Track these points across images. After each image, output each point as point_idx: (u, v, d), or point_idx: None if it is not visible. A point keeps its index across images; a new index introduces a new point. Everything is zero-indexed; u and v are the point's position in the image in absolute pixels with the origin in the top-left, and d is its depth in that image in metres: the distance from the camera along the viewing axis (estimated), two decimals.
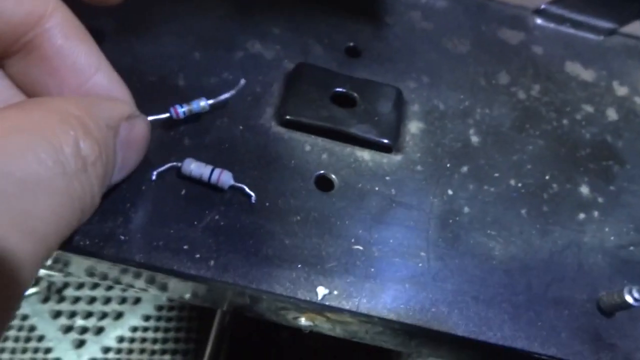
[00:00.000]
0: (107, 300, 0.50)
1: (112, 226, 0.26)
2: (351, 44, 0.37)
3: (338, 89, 0.33)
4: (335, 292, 0.26)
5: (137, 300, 0.51)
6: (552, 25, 0.42)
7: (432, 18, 0.40)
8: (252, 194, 0.28)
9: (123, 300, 0.50)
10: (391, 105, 0.33)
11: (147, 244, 0.26)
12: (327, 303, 0.26)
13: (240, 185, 0.28)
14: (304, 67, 0.34)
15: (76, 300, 0.51)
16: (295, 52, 0.36)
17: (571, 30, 0.42)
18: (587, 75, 0.39)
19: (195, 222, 0.27)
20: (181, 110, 0.29)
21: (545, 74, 0.39)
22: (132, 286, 0.28)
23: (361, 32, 0.38)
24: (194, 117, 0.29)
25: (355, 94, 0.33)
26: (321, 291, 0.26)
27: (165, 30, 0.35)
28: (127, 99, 0.20)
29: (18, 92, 0.18)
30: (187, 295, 0.28)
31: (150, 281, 0.27)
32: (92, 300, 0.49)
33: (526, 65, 0.39)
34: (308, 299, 0.26)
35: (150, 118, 0.26)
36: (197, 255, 0.26)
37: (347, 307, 0.26)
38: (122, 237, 0.26)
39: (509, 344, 0.26)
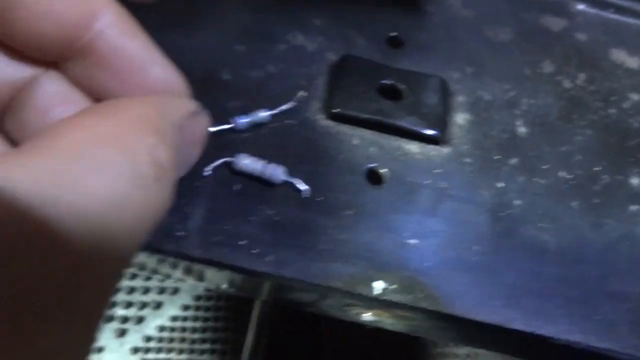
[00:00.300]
0: (146, 291, 0.51)
1: (169, 222, 0.26)
2: (393, 34, 0.37)
3: (384, 81, 0.33)
4: (393, 287, 0.26)
5: (176, 291, 0.51)
6: (595, 11, 0.41)
7: (472, 5, 0.40)
8: (304, 188, 0.28)
9: (162, 291, 0.51)
10: (438, 97, 0.33)
11: (205, 239, 0.26)
12: (385, 298, 0.26)
13: (292, 179, 0.28)
14: (349, 59, 0.34)
15: (115, 290, 0.52)
16: (338, 44, 0.36)
17: (615, 16, 0.41)
18: (633, 62, 0.39)
19: (250, 218, 0.27)
20: (243, 121, 0.29)
21: (590, 62, 0.38)
22: (189, 274, 0.28)
23: (402, 21, 0.38)
24: (255, 127, 0.30)
25: (402, 86, 0.33)
26: (378, 286, 0.26)
27: (206, 24, 0.35)
28: (185, 90, 0.20)
29: (81, 95, 0.18)
30: (253, 291, 0.28)
31: (207, 277, 0.27)
32: (132, 290, 0.50)
33: (570, 53, 0.38)
34: (366, 294, 0.26)
35: (212, 129, 0.27)
36: (254, 251, 0.26)
37: (405, 302, 0.26)
38: (179, 234, 0.26)
39: (565, 337, 0.26)
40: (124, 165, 0.12)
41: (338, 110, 0.31)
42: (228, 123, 0.29)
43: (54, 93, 0.17)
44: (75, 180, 0.11)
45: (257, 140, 0.30)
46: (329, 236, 0.27)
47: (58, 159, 0.11)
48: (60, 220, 0.10)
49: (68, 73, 0.17)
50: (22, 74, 0.16)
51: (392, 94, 0.33)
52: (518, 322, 0.27)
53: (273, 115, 0.29)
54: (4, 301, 0.08)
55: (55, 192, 0.10)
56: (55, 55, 0.16)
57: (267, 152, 0.30)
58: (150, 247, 0.25)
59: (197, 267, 0.26)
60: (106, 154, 0.12)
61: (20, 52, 0.15)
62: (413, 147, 0.32)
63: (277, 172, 0.28)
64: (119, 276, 0.12)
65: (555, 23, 0.40)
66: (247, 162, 0.28)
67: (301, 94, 0.29)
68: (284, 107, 0.29)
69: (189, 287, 0.51)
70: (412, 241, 0.28)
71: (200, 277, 0.28)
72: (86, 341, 0.10)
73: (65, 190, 0.10)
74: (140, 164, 0.13)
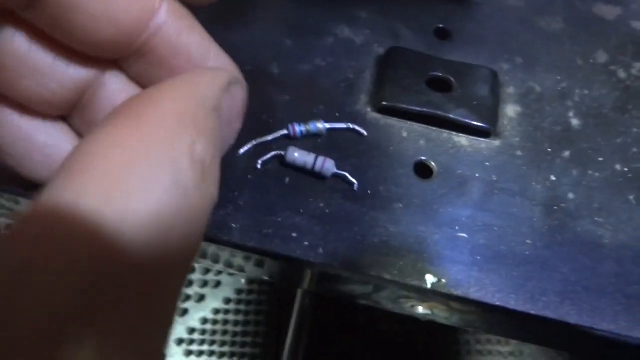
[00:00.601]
0: (190, 284, 0.52)
1: (223, 214, 0.27)
2: (440, 25, 0.37)
3: (433, 73, 0.32)
4: (444, 280, 0.26)
5: (218, 284, 0.53)
6: None
7: None
8: (355, 181, 0.29)
9: (204, 284, 0.52)
10: (488, 89, 0.32)
11: (258, 231, 0.27)
12: (439, 290, 0.26)
13: (342, 172, 0.29)
14: (397, 51, 0.34)
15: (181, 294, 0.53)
16: (385, 36, 0.36)
17: None
18: None
19: (301, 210, 0.28)
20: (299, 129, 0.30)
21: None
22: (248, 260, 0.29)
23: (449, 12, 0.37)
24: (309, 136, 0.30)
25: (451, 78, 0.32)
26: (430, 279, 0.26)
27: (254, 19, 0.35)
28: (241, 81, 0.19)
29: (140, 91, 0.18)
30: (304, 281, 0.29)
31: (265, 265, 0.28)
32: (190, 284, 0.52)
33: (625, 42, 0.37)
34: (419, 286, 0.26)
35: (269, 137, 0.29)
36: (306, 243, 0.27)
37: (458, 294, 0.26)
38: (234, 225, 0.27)
39: (625, 333, 0.26)
40: (167, 178, 0.12)
41: (386, 103, 0.31)
42: (283, 129, 0.30)
43: (116, 91, 0.17)
44: (124, 205, 0.11)
45: (307, 134, 0.30)
46: (380, 229, 0.27)
47: (104, 183, 0.11)
48: (125, 239, 0.10)
49: (129, 70, 0.17)
50: (86, 74, 0.16)
51: (441, 86, 0.32)
52: (573, 317, 0.26)
53: (328, 130, 0.30)
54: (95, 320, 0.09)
55: (111, 213, 0.10)
56: (116, 54, 0.15)
57: (317, 145, 0.30)
58: (208, 237, 0.26)
59: (255, 256, 0.27)
60: (151, 166, 0.11)
61: (82, 54, 0.15)
62: (463, 140, 0.31)
63: (327, 166, 0.28)
64: (183, 282, 0.12)
65: (609, 11, 0.39)
66: (298, 156, 0.28)
67: (364, 133, 0.30)
68: (339, 125, 0.30)
69: (231, 281, 0.53)
70: (463, 235, 0.28)
71: (260, 264, 0.29)
72: (158, 347, 0.10)
73: (118, 211, 0.11)
74: (183, 171, 0.12)
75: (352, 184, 0.28)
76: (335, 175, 0.29)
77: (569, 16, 0.38)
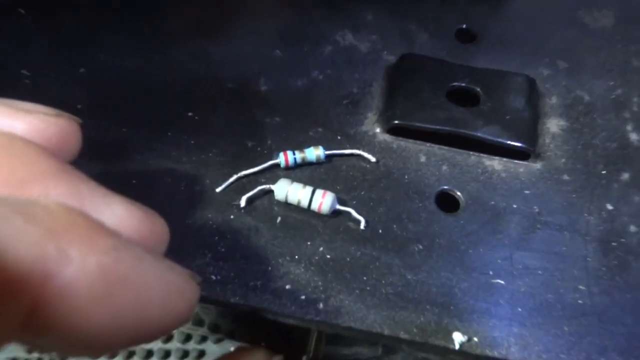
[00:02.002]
0: (165, 356, 0.51)
1: (200, 264, 0.27)
2: (463, 26, 0.37)
3: (456, 84, 0.33)
4: (476, 339, 0.26)
5: (201, 354, 0.52)
6: None
7: None
8: (361, 218, 0.28)
9: (184, 355, 0.52)
10: (524, 100, 0.32)
11: (243, 284, 0.26)
12: (468, 352, 0.25)
13: (346, 209, 0.28)
14: (410, 58, 0.34)
15: (149, 355, 0.53)
16: (396, 41, 0.36)
17: None
18: None
19: (297, 256, 0.27)
20: (292, 157, 0.30)
21: None
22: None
23: (474, 10, 0.38)
24: (305, 165, 0.30)
25: (478, 88, 0.32)
26: (458, 338, 0.26)
27: (240, 29, 0.36)
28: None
29: None
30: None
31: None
32: (149, 355, 0.51)
33: None
34: (444, 346, 0.25)
35: (256, 169, 0.29)
36: (303, 297, 0.26)
37: (494, 356, 0.25)
38: (214, 277, 0.27)
39: None
40: None
41: (399, 121, 0.31)
42: (273, 157, 0.30)
43: None
44: None
45: (302, 163, 0.30)
46: (395, 277, 0.27)
47: None
48: None
49: None
50: None
51: (466, 99, 0.32)
52: None
53: (329, 157, 0.30)
54: None
55: None
56: None
57: (315, 176, 0.30)
58: None
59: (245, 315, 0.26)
60: None
61: None
62: (496, 163, 0.31)
63: (327, 201, 0.28)
64: None
65: None
66: (291, 190, 0.28)
67: (371, 158, 0.30)
68: (344, 150, 0.30)
69: (218, 350, 0.52)
70: (499, 281, 0.27)
71: (252, 326, 0.28)
72: None
73: None
74: None
75: (358, 222, 0.28)
76: (337, 213, 0.29)
77: (621, 9, 0.38)
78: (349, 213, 0.28)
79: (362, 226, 0.28)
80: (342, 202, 0.28)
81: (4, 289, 0.12)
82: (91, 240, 0.14)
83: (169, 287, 0.16)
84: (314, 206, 0.28)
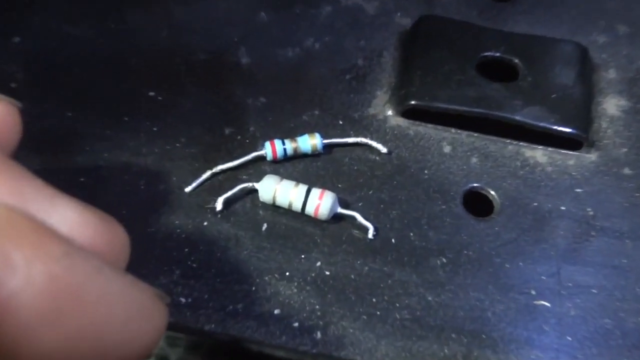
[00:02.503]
0: None
1: (166, 282, 0.27)
2: None
3: (488, 53, 0.33)
4: None
5: None
6: None
7: None
8: (369, 225, 0.29)
9: None
10: (574, 74, 0.33)
11: (220, 307, 0.27)
12: None
13: (349, 212, 0.29)
14: (430, 21, 0.34)
15: None
16: (411, 0, 0.36)
17: None
18: None
19: (287, 273, 0.28)
20: (281, 148, 0.30)
21: None
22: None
23: None
24: (298, 158, 0.31)
25: (516, 59, 0.33)
26: None
27: None
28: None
29: None
30: None
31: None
32: None
33: None
34: None
35: (235, 162, 0.29)
36: (296, 324, 0.27)
37: None
38: (184, 299, 0.27)
39: None
40: None
41: (417, 101, 0.31)
42: (257, 148, 0.30)
43: None
44: None
45: (294, 155, 0.31)
46: (412, 298, 0.28)
47: None
48: None
49: None
50: None
51: (500, 72, 0.33)
52: None
53: (327, 146, 0.30)
54: None
55: None
56: None
57: (310, 171, 0.31)
58: None
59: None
60: None
61: None
62: (539, 154, 0.32)
63: (325, 203, 0.29)
64: None
65: None
66: (279, 189, 0.29)
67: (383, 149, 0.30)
68: (348, 139, 0.30)
69: None
70: (543, 303, 0.28)
71: None
72: None
73: None
74: None
75: (365, 229, 0.29)
76: (339, 218, 0.29)
77: None
78: (353, 218, 0.29)
79: (370, 235, 0.28)
80: (344, 205, 0.29)
81: None
82: (38, 245, 0.14)
83: (132, 306, 0.16)
84: (310, 210, 0.28)
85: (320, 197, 0.28)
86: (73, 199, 0.17)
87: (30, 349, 0.14)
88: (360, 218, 0.28)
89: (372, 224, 0.29)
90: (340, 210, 0.28)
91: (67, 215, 0.17)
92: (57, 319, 0.14)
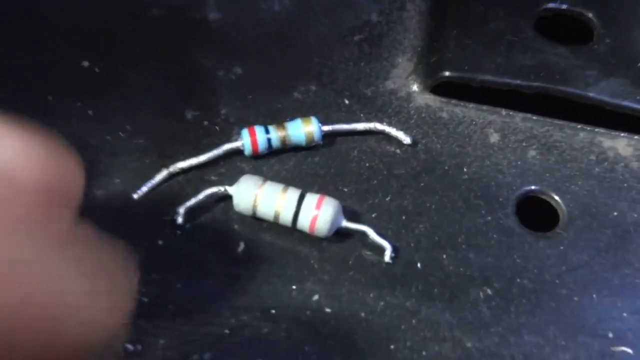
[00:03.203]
0: None
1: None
2: None
3: (551, 5, 0.34)
4: None
5: None
6: None
7: None
8: (386, 244, 0.29)
9: None
10: None
11: (180, 358, 0.28)
12: None
13: (359, 226, 0.29)
14: None
15: None
16: None
17: None
18: None
19: (273, 310, 0.28)
20: (264, 137, 0.31)
21: None
22: None
23: None
24: (287, 151, 0.31)
25: (589, 14, 0.34)
26: None
27: None
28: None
29: None
30: None
31: None
32: None
33: None
34: None
35: (202, 158, 0.30)
36: None
37: None
38: (130, 347, 0.28)
39: None
40: None
41: (452, 72, 0.32)
42: (232, 137, 0.31)
43: None
44: None
45: (281, 148, 0.31)
46: (444, 345, 0.28)
47: None
48: None
49: None
50: None
51: (567, 32, 0.33)
52: None
53: (327, 134, 0.31)
54: None
55: None
56: None
57: (304, 168, 0.31)
58: None
59: None
60: None
61: None
62: (621, 144, 0.32)
63: (324, 215, 0.29)
64: None
65: None
66: (261, 196, 0.29)
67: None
68: (356, 125, 0.31)
69: None
70: (623, 349, 0.28)
71: None
72: None
73: None
74: None
75: (381, 250, 0.29)
76: (343, 233, 0.30)
77: None
78: (364, 234, 0.29)
79: (387, 257, 0.29)
80: (352, 217, 0.29)
81: None
82: None
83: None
84: (304, 223, 0.29)
85: (318, 206, 0.29)
86: (11, 125, 0.21)
87: None
88: (373, 234, 0.29)
89: (390, 242, 0.29)
90: (345, 223, 0.29)
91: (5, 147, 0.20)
92: None
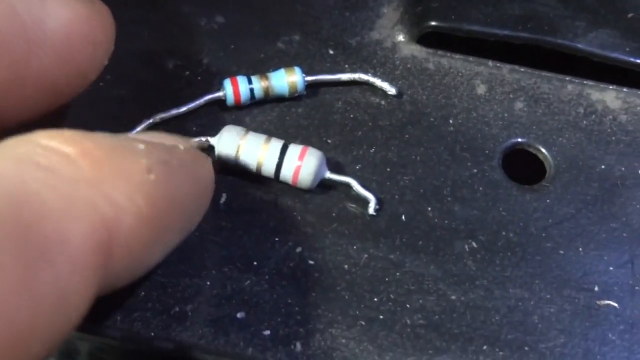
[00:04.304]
0: None
1: None
2: None
3: None
4: None
5: None
6: None
7: None
8: (370, 195, 0.29)
9: None
10: None
11: (163, 309, 0.27)
12: None
13: (343, 178, 0.29)
14: None
15: None
16: None
17: None
18: None
19: (255, 262, 0.28)
20: (246, 87, 0.31)
21: None
22: None
23: None
24: (270, 101, 0.31)
25: None
26: None
27: None
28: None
29: None
30: None
31: None
32: None
33: None
34: None
35: (183, 108, 0.30)
36: (267, 332, 0.27)
37: None
38: (111, 299, 0.28)
39: None
40: None
41: (439, 21, 0.32)
42: (213, 88, 0.31)
43: None
44: None
45: (266, 102, 0.31)
46: (428, 297, 0.28)
47: None
48: None
49: None
50: None
51: None
52: None
53: (310, 83, 0.31)
54: None
55: None
56: None
57: (287, 120, 0.31)
58: None
59: None
60: None
61: None
62: (610, 97, 0.32)
63: (308, 165, 0.29)
64: None
65: None
66: (244, 146, 0.29)
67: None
68: (341, 75, 0.31)
69: None
70: (609, 303, 0.28)
71: None
72: None
73: None
74: None
75: (365, 202, 0.29)
76: (327, 185, 0.30)
77: None
78: (348, 186, 0.29)
79: (371, 209, 0.29)
80: (336, 168, 0.30)
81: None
82: (127, 174, 0.20)
83: (199, 176, 0.25)
84: (287, 174, 0.29)
85: (301, 157, 0.29)
86: None
87: (146, 261, 0.23)
88: (357, 186, 0.29)
89: (374, 194, 0.29)
90: (329, 175, 0.29)
91: (60, 15, 0.24)
92: (160, 223, 0.21)
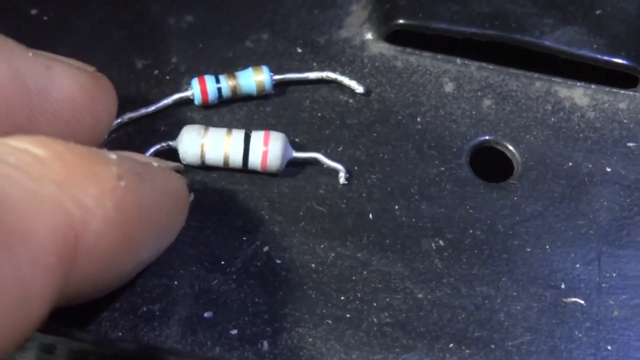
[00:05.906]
0: None
1: None
2: None
3: None
4: None
5: None
6: None
7: None
8: (339, 166, 0.30)
9: None
10: None
11: (129, 309, 0.27)
12: None
13: (310, 154, 0.30)
14: None
15: None
16: None
17: None
18: None
19: (223, 261, 0.29)
20: (213, 87, 0.31)
21: None
22: None
23: None
24: (237, 100, 0.31)
25: None
26: None
27: None
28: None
29: None
30: None
31: None
32: None
33: None
34: None
35: (149, 109, 0.31)
36: (234, 331, 0.27)
37: None
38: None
39: None
40: None
41: (406, 20, 0.32)
42: (180, 88, 0.31)
43: None
44: None
45: (231, 99, 0.32)
46: (395, 296, 0.28)
47: None
48: None
49: None
50: None
51: None
52: None
53: (278, 82, 0.31)
54: None
55: None
56: None
57: (256, 119, 0.32)
58: None
59: None
60: None
61: None
62: (578, 94, 0.32)
63: (274, 148, 0.29)
64: None
65: None
66: (207, 143, 0.29)
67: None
68: (309, 74, 0.31)
69: None
70: (575, 300, 0.29)
71: None
72: None
73: None
74: None
75: (335, 170, 0.30)
76: (293, 164, 0.30)
77: None
78: (315, 161, 0.30)
79: (342, 179, 0.30)
80: (304, 147, 0.30)
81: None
82: (98, 179, 0.21)
83: (171, 191, 0.26)
84: (255, 161, 0.29)
85: (266, 142, 0.29)
86: (65, 62, 0.26)
87: (114, 270, 0.23)
88: (324, 159, 0.30)
89: (343, 164, 0.30)
90: (295, 154, 0.30)
91: (65, 86, 0.25)
92: (128, 231, 0.22)
